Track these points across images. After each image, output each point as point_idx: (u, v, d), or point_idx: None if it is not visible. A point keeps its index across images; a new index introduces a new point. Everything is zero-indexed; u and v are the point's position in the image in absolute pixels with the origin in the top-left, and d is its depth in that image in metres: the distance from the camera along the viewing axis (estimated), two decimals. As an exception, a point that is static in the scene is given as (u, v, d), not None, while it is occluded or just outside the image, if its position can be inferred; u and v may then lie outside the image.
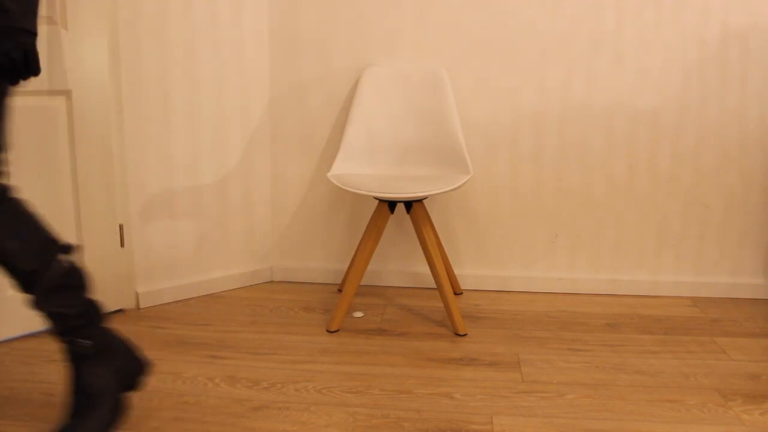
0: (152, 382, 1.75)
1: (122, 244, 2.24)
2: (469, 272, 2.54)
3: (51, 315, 1.42)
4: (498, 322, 2.19)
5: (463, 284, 2.54)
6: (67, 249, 1.44)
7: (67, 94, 2.04)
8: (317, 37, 2.44)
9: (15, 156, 1.96)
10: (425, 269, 2.56)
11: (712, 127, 2.35)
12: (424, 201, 2.44)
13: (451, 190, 2.10)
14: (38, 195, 2.02)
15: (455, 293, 2.48)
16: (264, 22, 2.44)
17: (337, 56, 2.45)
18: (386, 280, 2.58)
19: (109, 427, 1.47)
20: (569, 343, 2.02)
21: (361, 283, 2.58)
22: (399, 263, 2.57)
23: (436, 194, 2.07)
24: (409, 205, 2.13)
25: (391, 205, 2.15)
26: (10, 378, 1.77)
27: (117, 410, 1.49)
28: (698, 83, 2.33)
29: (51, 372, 1.80)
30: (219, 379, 1.77)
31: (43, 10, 1.95)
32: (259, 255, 2.59)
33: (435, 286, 2.56)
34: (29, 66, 1.37)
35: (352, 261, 2.46)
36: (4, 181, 1.39)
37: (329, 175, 2.19)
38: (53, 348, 1.96)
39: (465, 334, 2.09)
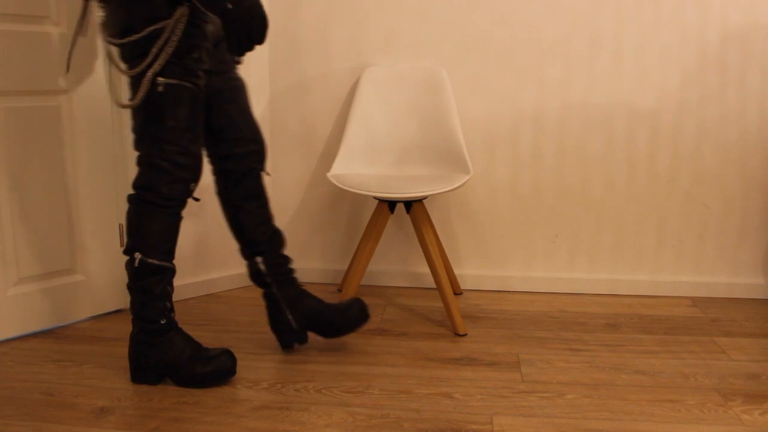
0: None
1: (122, 244, 2.24)
2: (469, 272, 2.54)
3: None
4: (498, 322, 2.19)
5: (463, 284, 2.54)
6: None
7: (67, 94, 2.04)
8: (317, 37, 2.44)
9: (15, 156, 1.96)
10: (425, 269, 2.56)
11: (711, 127, 2.35)
12: (424, 201, 2.44)
13: (451, 190, 2.10)
14: (38, 195, 2.02)
15: (455, 293, 2.48)
16: (264, 22, 2.44)
17: (337, 56, 2.45)
18: (386, 280, 2.58)
19: None
20: (569, 343, 2.02)
21: (361, 283, 2.58)
22: (399, 263, 2.57)
23: (436, 194, 2.07)
24: (409, 205, 2.13)
25: (391, 205, 2.15)
26: (10, 378, 1.77)
27: None
28: (698, 83, 2.33)
29: (51, 372, 1.80)
30: (219, 379, 1.77)
31: (42, 9, 1.95)
32: (259, 255, 2.59)
33: (435, 286, 2.56)
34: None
35: (352, 261, 2.46)
36: None
37: (329, 175, 2.19)
38: (53, 348, 1.96)
39: (465, 334, 2.09)
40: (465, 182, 2.13)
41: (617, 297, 2.45)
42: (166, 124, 1.62)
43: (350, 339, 2.05)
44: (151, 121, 1.63)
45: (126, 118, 2.19)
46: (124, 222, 2.23)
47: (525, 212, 2.48)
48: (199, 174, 1.71)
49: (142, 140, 1.67)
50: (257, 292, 2.49)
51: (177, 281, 2.39)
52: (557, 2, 2.33)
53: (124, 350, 1.95)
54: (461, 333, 2.09)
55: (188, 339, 1.73)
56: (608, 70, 2.35)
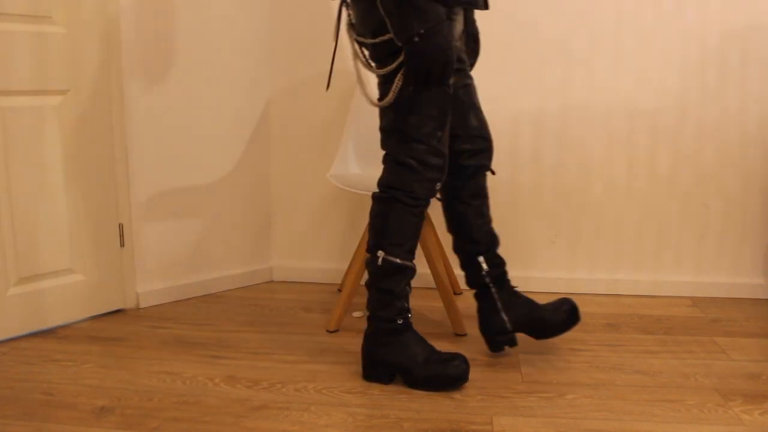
0: (152, 382, 1.75)
1: (122, 244, 2.24)
2: (469, 272, 2.54)
3: None
4: (498, 322, 2.18)
5: (463, 284, 2.54)
6: None
7: (66, 93, 2.04)
8: (317, 37, 2.44)
9: (15, 156, 1.96)
10: (425, 269, 2.55)
11: (711, 127, 2.35)
12: (424, 201, 2.44)
13: (451, 190, 2.09)
14: (38, 195, 2.02)
15: (455, 293, 2.48)
16: (264, 21, 2.44)
17: (337, 56, 2.44)
18: (386, 280, 2.57)
19: None
20: (569, 343, 2.02)
21: (360, 283, 2.57)
22: (399, 263, 2.57)
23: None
24: (409, 205, 2.12)
25: (391, 205, 2.15)
26: (10, 378, 1.77)
27: None
28: (698, 83, 2.33)
29: (51, 372, 1.80)
30: (219, 379, 1.77)
31: (42, 9, 1.95)
32: (259, 255, 2.59)
33: (435, 286, 2.56)
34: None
35: (352, 261, 2.46)
36: None
37: (329, 175, 2.19)
38: (53, 348, 1.96)
39: (465, 334, 2.09)
40: (465, 182, 2.13)
41: (617, 297, 2.45)
42: (416, 123, 1.61)
43: (350, 338, 2.05)
44: (401, 120, 1.62)
45: (125, 118, 2.19)
46: (124, 222, 2.23)
47: (524, 212, 2.48)
48: (446, 173, 1.69)
49: (390, 138, 1.66)
50: (257, 293, 2.49)
51: (177, 281, 2.39)
52: (557, 2, 2.33)
53: (124, 350, 1.95)
54: (461, 333, 2.08)
55: (422, 341, 1.73)
56: (608, 70, 2.35)
